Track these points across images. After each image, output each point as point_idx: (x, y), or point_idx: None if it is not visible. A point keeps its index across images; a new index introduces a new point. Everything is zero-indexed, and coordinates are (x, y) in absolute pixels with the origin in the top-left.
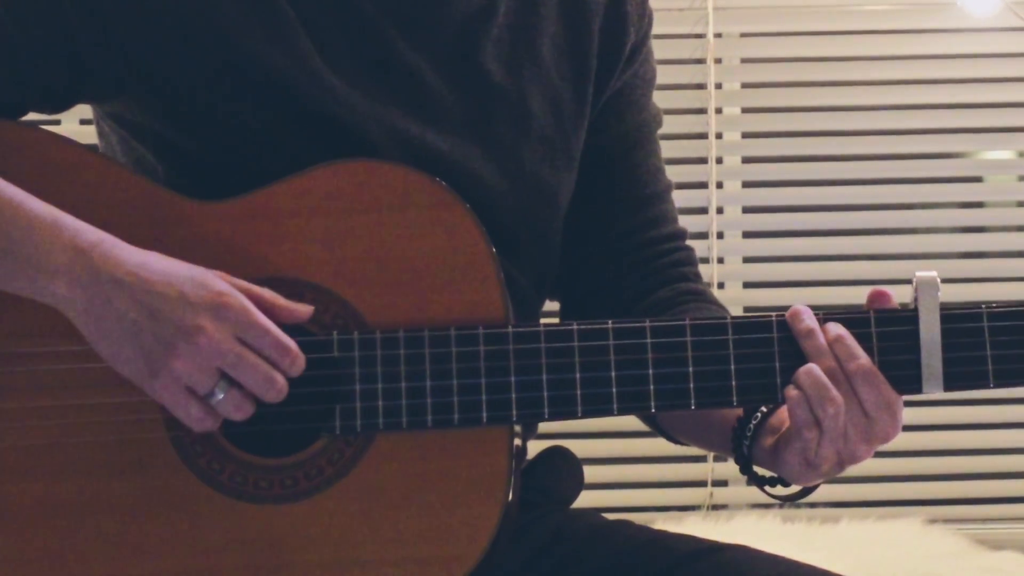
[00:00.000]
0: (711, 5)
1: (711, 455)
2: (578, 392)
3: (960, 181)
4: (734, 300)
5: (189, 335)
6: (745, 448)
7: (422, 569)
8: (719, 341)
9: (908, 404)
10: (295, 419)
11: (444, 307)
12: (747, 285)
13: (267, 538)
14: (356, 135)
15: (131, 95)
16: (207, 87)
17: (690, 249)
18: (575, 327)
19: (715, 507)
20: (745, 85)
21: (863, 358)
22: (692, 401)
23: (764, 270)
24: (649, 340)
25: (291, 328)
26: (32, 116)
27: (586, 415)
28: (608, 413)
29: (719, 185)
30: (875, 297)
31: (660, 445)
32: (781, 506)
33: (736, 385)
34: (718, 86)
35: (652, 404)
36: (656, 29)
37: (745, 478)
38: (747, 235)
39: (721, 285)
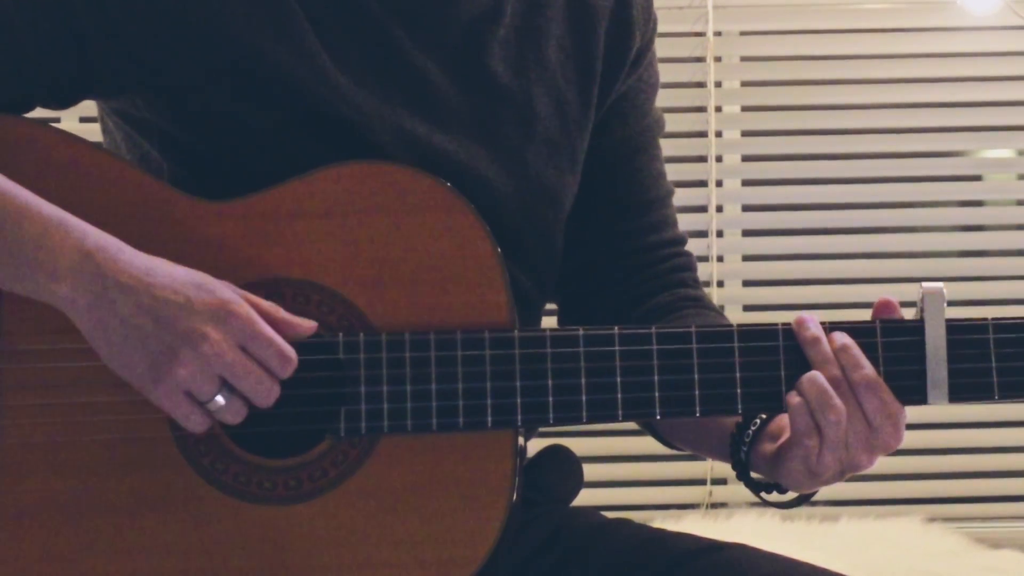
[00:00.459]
0: (711, 3)
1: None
2: (583, 398)
3: (960, 179)
4: (733, 298)
5: (193, 342)
6: (743, 454)
7: (425, 572)
8: (724, 348)
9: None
10: (300, 420)
11: (450, 310)
12: (746, 283)
13: (270, 539)
14: (363, 135)
15: (138, 92)
16: (214, 85)
17: (690, 255)
18: (581, 332)
19: (714, 505)
20: (745, 83)
21: (868, 368)
22: (697, 408)
23: (763, 268)
24: (655, 347)
25: None
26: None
27: (591, 421)
28: (613, 419)
29: (719, 183)
30: (883, 307)
31: (659, 444)
32: None
33: (741, 393)
34: (718, 84)
35: (657, 411)
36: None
37: (774, 506)
38: (746, 233)
39: (721, 283)
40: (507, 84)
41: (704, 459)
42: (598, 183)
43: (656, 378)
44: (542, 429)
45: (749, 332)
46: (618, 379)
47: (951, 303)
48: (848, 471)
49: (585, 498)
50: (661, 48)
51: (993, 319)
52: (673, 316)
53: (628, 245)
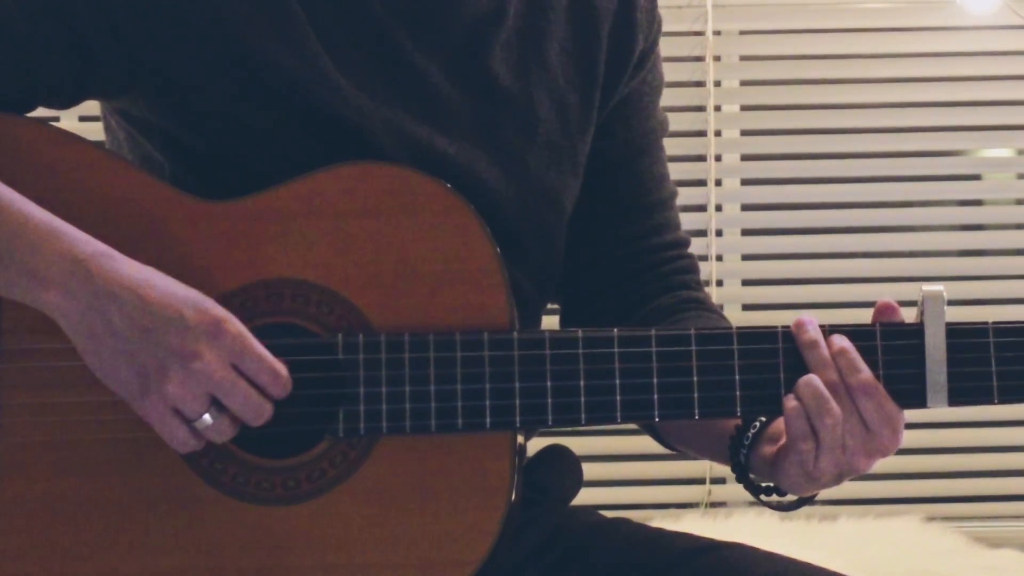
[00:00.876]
0: (710, 2)
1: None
2: (582, 400)
3: (959, 179)
4: (733, 298)
5: (184, 359)
6: (742, 457)
7: (424, 572)
8: (724, 351)
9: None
10: (298, 421)
11: (449, 311)
12: (746, 283)
13: (268, 539)
14: (363, 137)
15: (139, 92)
16: (215, 85)
17: (692, 257)
18: (580, 334)
19: (713, 505)
20: (744, 83)
21: (865, 372)
22: (696, 411)
23: (763, 268)
24: (654, 349)
25: (296, 329)
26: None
27: (590, 423)
28: (612, 421)
29: (718, 183)
30: (883, 309)
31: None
32: None
33: (740, 395)
34: (717, 84)
35: (656, 413)
36: None
37: (773, 509)
38: (746, 233)
39: (720, 283)
40: (509, 86)
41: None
42: (600, 185)
43: (655, 380)
44: (542, 428)
45: (748, 335)
46: (617, 381)
47: (950, 303)
48: (846, 475)
49: (584, 497)
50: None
51: (993, 323)
52: (674, 318)
53: (630, 248)
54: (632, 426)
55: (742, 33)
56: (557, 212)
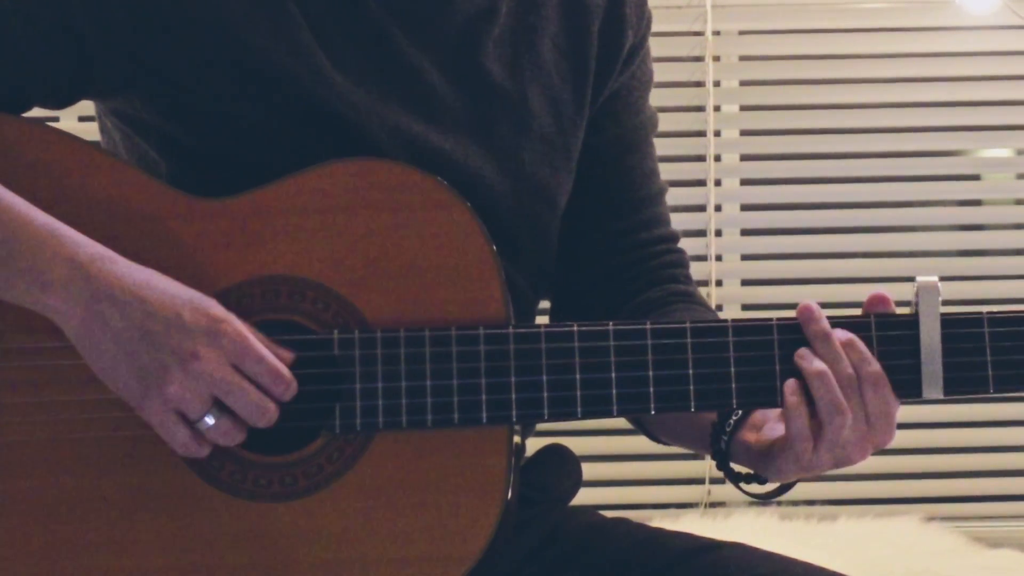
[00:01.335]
0: (709, 3)
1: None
2: (578, 393)
3: (958, 179)
4: (732, 298)
5: (184, 360)
6: (723, 444)
7: (421, 568)
8: (719, 343)
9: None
10: (295, 417)
11: (445, 306)
12: (745, 283)
13: (265, 536)
14: (359, 133)
15: (135, 91)
16: (211, 84)
17: (682, 251)
18: (575, 328)
19: (713, 504)
20: (743, 83)
21: (876, 364)
22: (692, 403)
23: (762, 268)
24: (650, 342)
25: (292, 325)
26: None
27: (586, 416)
28: (608, 415)
29: (717, 183)
30: (875, 301)
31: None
32: (779, 504)
33: (736, 388)
34: (716, 84)
35: (652, 406)
36: (654, 27)
37: (753, 497)
38: (745, 233)
39: (719, 283)
40: (502, 83)
41: (695, 454)
42: (591, 181)
43: (651, 373)
44: (541, 428)
45: (743, 327)
46: (613, 375)
47: (949, 302)
48: (841, 465)
49: (583, 497)
50: (659, 47)
51: (988, 312)
52: (662, 311)
53: (620, 242)
54: (630, 425)
55: (741, 33)
56: (551, 208)
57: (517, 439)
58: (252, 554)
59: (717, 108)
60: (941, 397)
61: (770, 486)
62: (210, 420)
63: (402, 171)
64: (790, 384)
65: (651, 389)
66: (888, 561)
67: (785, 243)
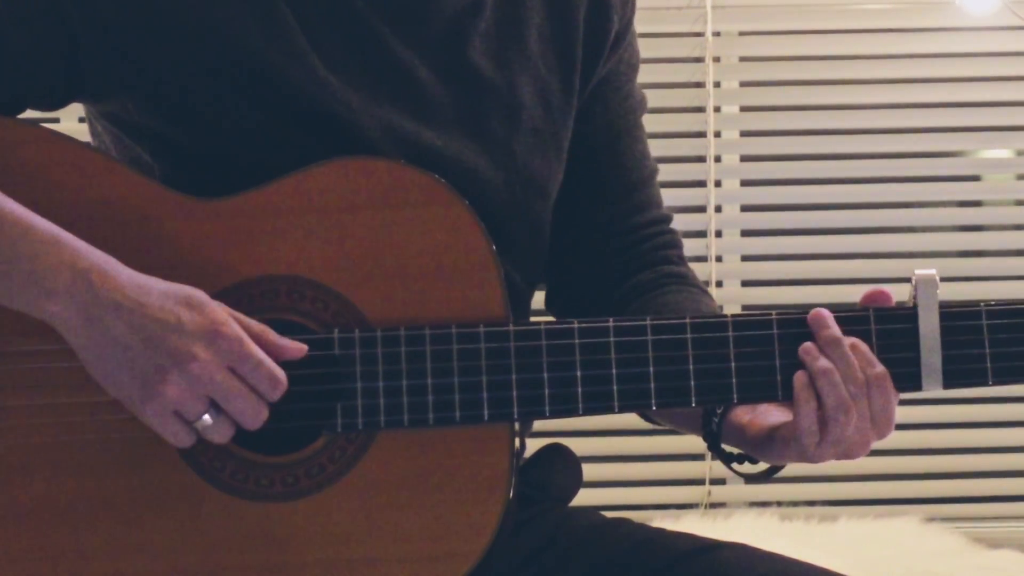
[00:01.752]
0: (710, 3)
1: (709, 453)
2: (579, 390)
3: (958, 180)
4: (732, 298)
5: (182, 362)
6: (714, 425)
7: (424, 566)
8: (720, 338)
9: (907, 403)
10: (297, 417)
11: (444, 304)
12: (745, 283)
13: (268, 536)
14: (353, 132)
15: (129, 93)
16: (204, 85)
17: (674, 232)
18: (576, 325)
19: (713, 505)
20: (744, 84)
21: (880, 365)
22: (693, 398)
23: (762, 268)
24: (650, 337)
25: (292, 325)
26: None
27: (587, 412)
28: (609, 411)
29: (717, 184)
30: (874, 297)
31: (658, 443)
32: (779, 505)
33: (737, 382)
34: (716, 84)
35: (653, 401)
36: (655, 27)
37: (743, 477)
38: (745, 233)
39: (719, 283)
40: (490, 76)
41: (704, 454)
42: (582, 168)
43: (651, 369)
44: (541, 427)
45: (743, 322)
46: (613, 371)
47: (949, 302)
48: (841, 459)
49: (584, 498)
50: (660, 48)
51: (986, 304)
52: (654, 293)
53: (613, 227)
54: (632, 426)
55: (742, 34)
56: (543, 198)
57: (518, 442)
58: (254, 554)
59: (717, 109)
60: (940, 389)
61: (762, 465)
62: (208, 420)
63: (400, 170)
64: (800, 377)
65: (652, 385)
66: (888, 562)
67: (785, 244)
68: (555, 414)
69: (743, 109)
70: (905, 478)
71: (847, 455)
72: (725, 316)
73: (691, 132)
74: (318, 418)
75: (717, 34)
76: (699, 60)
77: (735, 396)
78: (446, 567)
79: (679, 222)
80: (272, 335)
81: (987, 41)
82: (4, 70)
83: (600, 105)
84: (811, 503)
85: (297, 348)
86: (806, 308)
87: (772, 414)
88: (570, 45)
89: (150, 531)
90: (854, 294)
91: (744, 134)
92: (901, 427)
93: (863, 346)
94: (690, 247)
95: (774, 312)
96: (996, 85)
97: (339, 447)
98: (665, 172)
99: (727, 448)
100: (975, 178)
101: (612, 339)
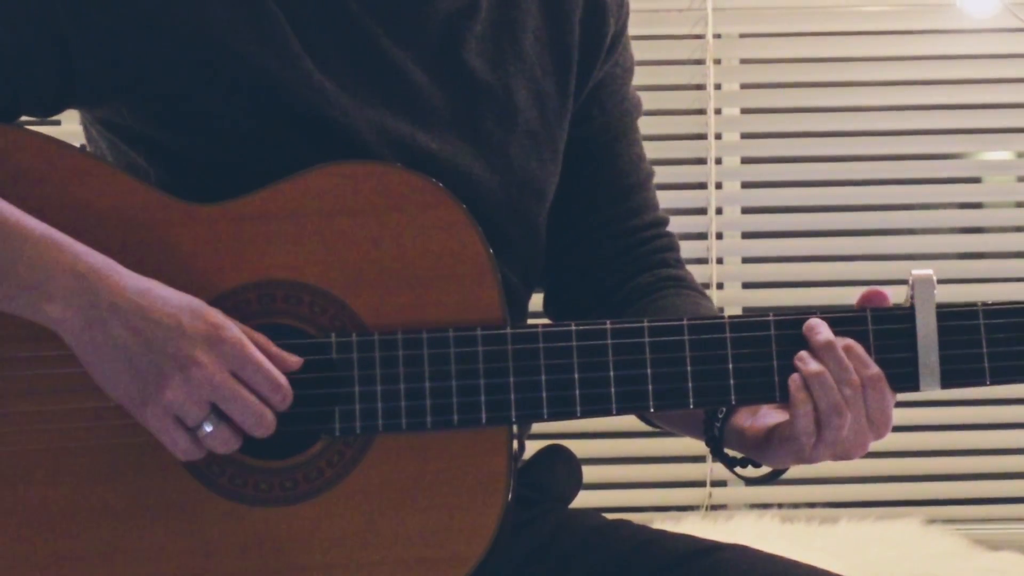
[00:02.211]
0: (710, 6)
1: (710, 455)
2: (577, 392)
3: (959, 182)
4: (733, 300)
5: (183, 366)
6: (716, 430)
7: (423, 570)
8: (717, 340)
9: (907, 404)
10: (294, 421)
11: (442, 308)
12: (746, 286)
13: (267, 541)
14: (348, 136)
15: (122, 99)
16: (198, 91)
17: (671, 235)
18: (573, 327)
19: (714, 507)
20: (744, 86)
21: (875, 367)
22: (691, 400)
23: (763, 271)
24: (647, 340)
25: (289, 330)
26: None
27: (585, 415)
28: (607, 413)
29: (718, 186)
30: (871, 297)
31: (659, 445)
32: (780, 507)
33: (734, 384)
34: (717, 87)
35: (651, 404)
36: (655, 30)
37: (745, 481)
38: (746, 236)
39: (720, 286)
40: (485, 79)
41: (705, 456)
42: (579, 171)
43: (649, 371)
44: (541, 430)
45: (740, 324)
46: (611, 373)
47: (948, 304)
48: (839, 459)
49: (585, 500)
50: (660, 50)
51: (983, 304)
52: (652, 297)
53: (610, 230)
54: (633, 428)
55: (742, 36)
56: (539, 200)
57: (515, 444)
58: (253, 559)
59: (718, 111)
60: (938, 389)
61: (765, 469)
62: (208, 427)
63: (397, 173)
64: (795, 379)
65: (649, 387)
66: (889, 564)
67: (786, 246)
68: (553, 417)
69: (744, 111)
70: (906, 480)
71: (844, 456)
72: (722, 317)
73: (692, 134)
74: (316, 422)
75: (718, 36)
76: (700, 62)
77: (733, 398)
78: (445, 570)
79: (679, 224)
80: (272, 347)
81: (988, 43)
82: None
83: (597, 108)
84: (812, 505)
85: (293, 360)
86: (805, 310)
87: (772, 417)
88: (566, 48)
89: (149, 536)
90: (855, 296)
91: (745, 136)
92: (901, 429)
93: (858, 347)
94: (690, 249)
95: (771, 313)
96: (997, 87)
97: (337, 451)
98: (666, 174)
99: (730, 452)
100: (975, 180)
101: (609, 341)
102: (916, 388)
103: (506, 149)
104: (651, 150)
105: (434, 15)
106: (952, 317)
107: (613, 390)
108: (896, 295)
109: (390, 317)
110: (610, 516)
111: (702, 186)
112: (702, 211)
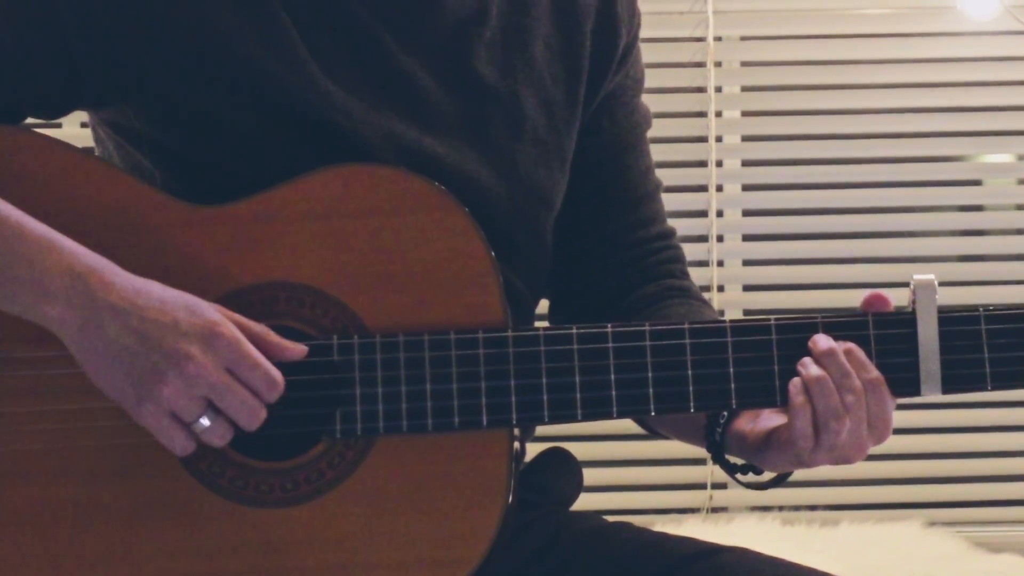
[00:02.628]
0: (711, 8)
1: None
2: (577, 396)
3: (959, 184)
4: (734, 303)
5: (178, 362)
6: (717, 436)
7: (423, 572)
8: (718, 344)
9: (908, 407)
10: (296, 423)
11: (443, 311)
12: (747, 288)
13: (268, 542)
14: (353, 140)
15: (128, 102)
16: (204, 94)
17: (678, 247)
18: (574, 331)
19: (715, 510)
20: (745, 88)
21: (874, 370)
22: (691, 404)
23: (764, 273)
24: (648, 343)
25: (291, 331)
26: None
27: (586, 418)
28: (608, 416)
29: (719, 188)
30: (872, 301)
31: (660, 448)
32: (781, 509)
33: (735, 388)
34: (718, 89)
35: (652, 407)
36: (656, 32)
37: (746, 487)
38: (747, 238)
39: (721, 288)
40: (494, 85)
41: (706, 458)
42: (587, 181)
43: (650, 375)
44: (542, 432)
45: (742, 327)
46: (612, 377)
47: (949, 307)
48: (839, 463)
49: (586, 502)
50: (661, 53)
51: (984, 309)
52: (658, 306)
53: (617, 241)
54: (633, 431)
55: (743, 39)
56: (546, 209)
57: (516, 444)
58: (254, 560)
59: (719, 114)
60: (939, 394)
61: (767, 475)
62: (205, 422)
63: (400, 176)
64: (795, 383)
65: (650, 390)
66: (889, 566)
67: (787, 248)
68: (554, 420)
69: (744, 114)
70: (906, 483)
71: (843, 460)
72: (723, 321)
73: (692, 137)
74: (317, 424)
75: (719, 39)
76: (700, 65)
77: (733, 401)
78: (446, 572)
79: (680, 226)
80: (273, 336)
81: (988, 45)
82: (1, 78)
83: (607, 119)
84: (813, 507)
85: (298, 349)
86: (806, 313)
87: (773, 421)
88: (577, 58)
89: (149, 537)
90: (855, 298)
91: (745, 139)
92: (902, 432)
93: (858, 351)
94: (691, 252)
95: (772, 318)
96: (997, 89)
97: (338, 453)
98: (667, 177)
99: (731, 459)
100: (976, 182)
101: (611, 345)
102: (917, 393)
103: (513, 156)
104: (652, 152)
105: (443, 21)
106: (954, 322)
107: (614, 393)
108: (897, 299)
109: (392, 319)
110: (611, 518)
111: (703, 188)
112: (703, 214)
